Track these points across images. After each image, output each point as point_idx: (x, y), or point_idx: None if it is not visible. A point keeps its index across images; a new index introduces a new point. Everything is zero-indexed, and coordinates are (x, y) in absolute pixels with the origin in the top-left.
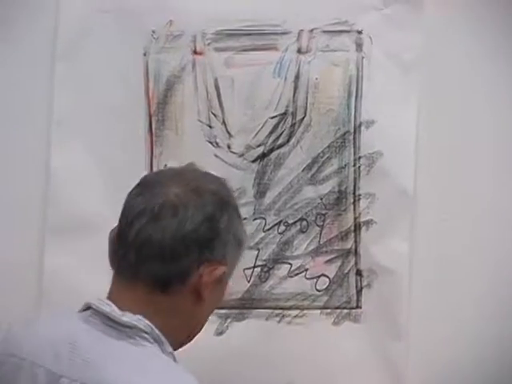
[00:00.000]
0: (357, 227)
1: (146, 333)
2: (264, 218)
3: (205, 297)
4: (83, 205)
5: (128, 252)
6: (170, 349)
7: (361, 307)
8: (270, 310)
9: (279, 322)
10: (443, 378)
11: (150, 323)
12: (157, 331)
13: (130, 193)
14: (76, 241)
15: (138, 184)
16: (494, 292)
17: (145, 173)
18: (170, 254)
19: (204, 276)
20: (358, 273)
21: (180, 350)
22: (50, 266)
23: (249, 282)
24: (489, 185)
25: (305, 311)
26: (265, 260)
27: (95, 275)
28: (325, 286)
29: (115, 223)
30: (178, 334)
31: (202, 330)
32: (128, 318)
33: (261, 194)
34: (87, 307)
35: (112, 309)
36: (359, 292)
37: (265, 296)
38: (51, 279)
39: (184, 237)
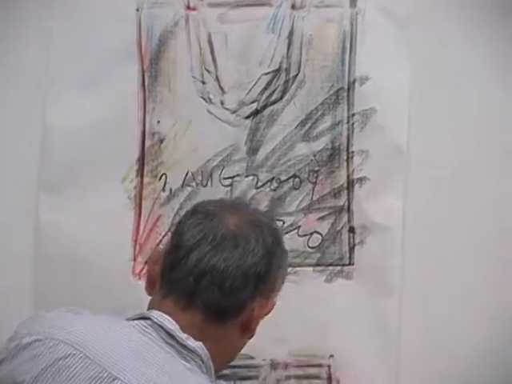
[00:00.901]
0: (350, 184)
1: (202, 362)
2: (256, 175)
3: (254, 330)
4: (77, 162)
5: (187, 278)
6: (214, 381)
7: (353, 264)
8: None
9: None
10: (435, 335)
11: (208, 353)
12: (211, 362)
13: (185, 221)
14: (71, 197)
15: (193, 213)
16: (490, 247)
17: (137, 129)
18: (231, 285)
19: (255, 310)
20: (351, 230)
21: None
22: (45, 222)
23: None
24: (484, 140)
25: (297, 268)
26: None
27: (90, 232)
28: (317, 243)
29: (108, 181)
30: (218, 364)
31: None
32: (191, 342)
33: (253, 150)
34: (142, 317)
35: (176, 328)
36: (352, 249)
37: None
38: (46, 236)
39: (246, 270)
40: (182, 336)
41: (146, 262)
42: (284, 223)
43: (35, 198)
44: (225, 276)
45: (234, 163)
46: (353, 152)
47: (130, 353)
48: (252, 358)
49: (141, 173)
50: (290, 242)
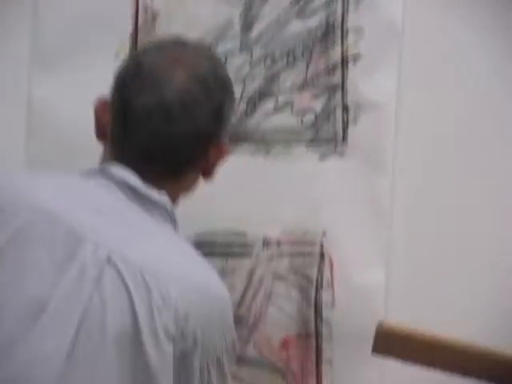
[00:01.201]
0: (344, 61)
1: (167, 212)
2: (250, 52)
3: (212, 173)
4: (70, 38)
5: (138, 148)
6: (179, 229)
7: (347, 142)
8: (255, 145)
9: (265, 156)
10: (427, 212)
11: (172, 205)
12: (174, 212)
13: (130, 79)
14: (63, 73)
15: (138, 68)
16: (485, 129)
17: (130, 5)
18: (183, 149)
19: (211, 158)
20: (345, 107)
21: None
22: (37, 98)
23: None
24: (486, 19)
25: (291, 146)
26: (251, 94)
27: (82, 108)
28: (311, 121)
29: (101, 58)
30: (177, 202)
31: None
32: (155, 195)
33: (248, 26)
34: (101, 172)
35: (138, 183)
36: (345, 127)
37: (251, 131)
38: (38, 112)
39: (198, 133)
40: (146, 190)
41: None
42: (278, 101)
43: (27, 74)
44: (178, 144)
45: (227, 40)
46: (347, 29)
47: (96, 212)
48: (244, 235)
49: (134, 49)
50: (284, 119)
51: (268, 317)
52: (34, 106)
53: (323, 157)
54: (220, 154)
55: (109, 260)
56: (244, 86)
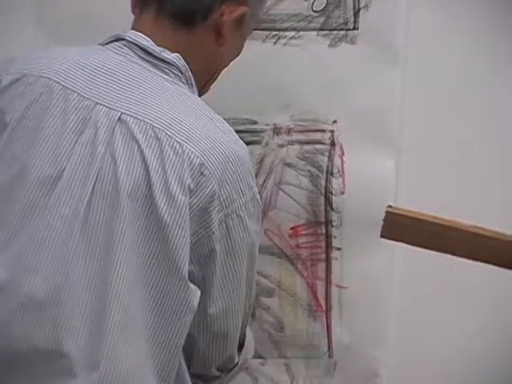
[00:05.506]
0: None
1: (181, 72)
2: None
3: (225, 35)
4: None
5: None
6: (197, 93)
7: (358, 29)
8: (266, 32)
9: (275, 43)
10: (439, 98)
11: (185, 64)
12: (190, 73)
13: None
14: None
15: None
16: None
17: None
18: None
19: (225, 15)
20: None
21: None
22: None
23: None
24: None
25: (301, 33)
26: None
27: None
28: (322, 7)
29: None
30: (199, 78)
31: None
32: (167, 54)
33: None
34: (116, 39)
35: (151, 43)
36: (357, 13)
37: (261, 18)
38: None
39: None
40: (157, 49)
41: None
42: None
43: None
44: None
45: None
46: None
47: (109, 76)
48: (255, 122)
49: None
50: (294, 5)
51: (278, 204)
52: None
53: (334, 44)
54: (234, 13)
55: (120, 119)
56: None
